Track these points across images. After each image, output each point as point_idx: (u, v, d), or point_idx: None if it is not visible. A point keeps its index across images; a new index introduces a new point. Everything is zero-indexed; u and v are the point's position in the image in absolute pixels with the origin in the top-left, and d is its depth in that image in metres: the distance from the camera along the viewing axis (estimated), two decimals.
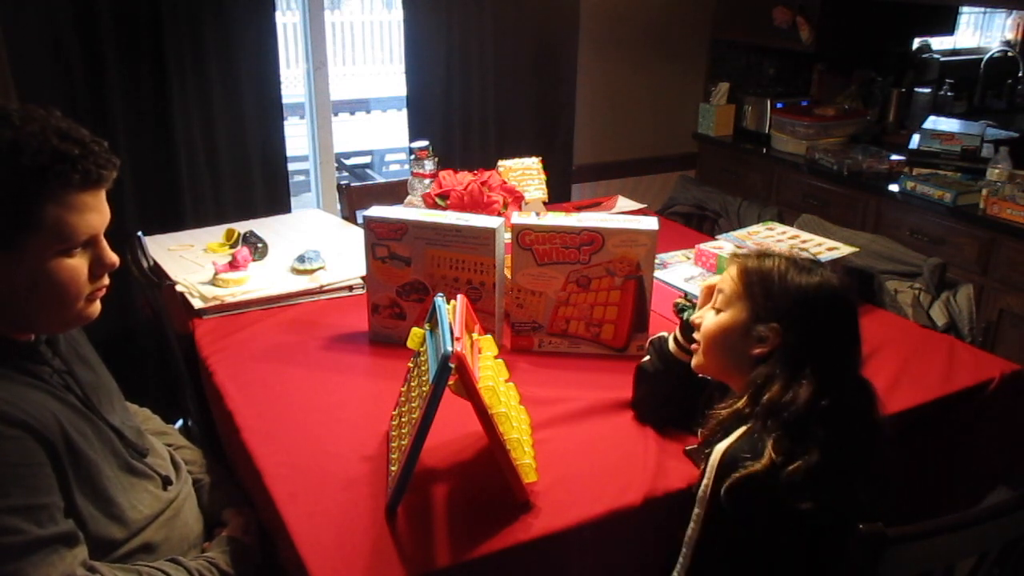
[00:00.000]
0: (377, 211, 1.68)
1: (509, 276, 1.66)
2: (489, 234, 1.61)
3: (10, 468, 0.99)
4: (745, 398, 1.20)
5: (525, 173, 2.23)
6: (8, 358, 1.08)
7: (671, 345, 1.42)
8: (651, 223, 1.63)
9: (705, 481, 1.15)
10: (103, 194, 1.10)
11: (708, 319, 1.30)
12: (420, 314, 1.69)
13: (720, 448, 1.15)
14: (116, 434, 1.20)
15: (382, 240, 1.66)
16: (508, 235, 1.65)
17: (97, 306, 1.15)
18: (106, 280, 1.14)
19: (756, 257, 1.28)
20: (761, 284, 1.24)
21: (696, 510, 1.17)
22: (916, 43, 3.94)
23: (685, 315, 1.41)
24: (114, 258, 1.13)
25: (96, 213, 1.08)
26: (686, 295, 1.46)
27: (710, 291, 1.33)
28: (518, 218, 1.63)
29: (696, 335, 1.34)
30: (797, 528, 1.12)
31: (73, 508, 1.07)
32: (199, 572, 1.19)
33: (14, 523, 0.98)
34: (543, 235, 1.59)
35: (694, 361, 1.34)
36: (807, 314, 1.21)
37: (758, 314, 1.23)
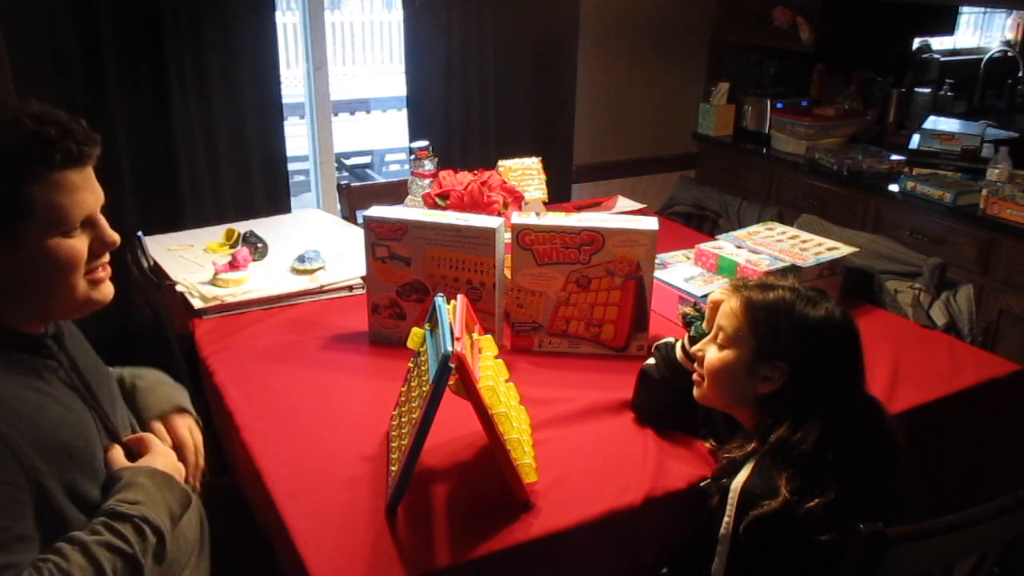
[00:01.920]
0: (377, 211, 1.68)
1: (509, 276, 1.66)
2: (489, 234, 1.61)
3: None
4: (755, 442, 1.19)
5: (525, 173, 2.24)
6: (12, 352, 1.07)
7: (678, 353, 1.41)
8: (651, 223, 1.63)
9: (726, 519, 1.14)
10: (90, 172, 1.08)
11: (711, 355, 1.27)
12: (420, 314, 1.69)
13: (736, 485, 1.15)
14: (115, 432, 1.19)
15: (382, 240, 1.66)
16: (508, 235, 1.65)
17: (108, 289, 1.14)
18: (106, 258, 1.13)
19: (760, 290, 1.25)
20: (767, 321, 1.21)
21: (719, 547, 1.16)
22: (916, 43, 3.94)
23: (693, 329, 1.39)
24: (114, 236, 1.11)
25: (87, 192, 1.07)
26: (695, 305, 1.45)
27: (716, 306, 1.31)
28: (518, 218, 1.63)
29: (697, 367, 1.32)
30: (821, 555, 1.11)
31: (88, 499, 1.06)
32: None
33: None
34: (543, 235, 1.59)
35: (696, 392, 1.32)
36: (814, 350, 1.20)
37: (763, 352, 1.21)
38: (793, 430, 1.16)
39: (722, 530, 1.15)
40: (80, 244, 1.07)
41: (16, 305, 1.08)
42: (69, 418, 1.09)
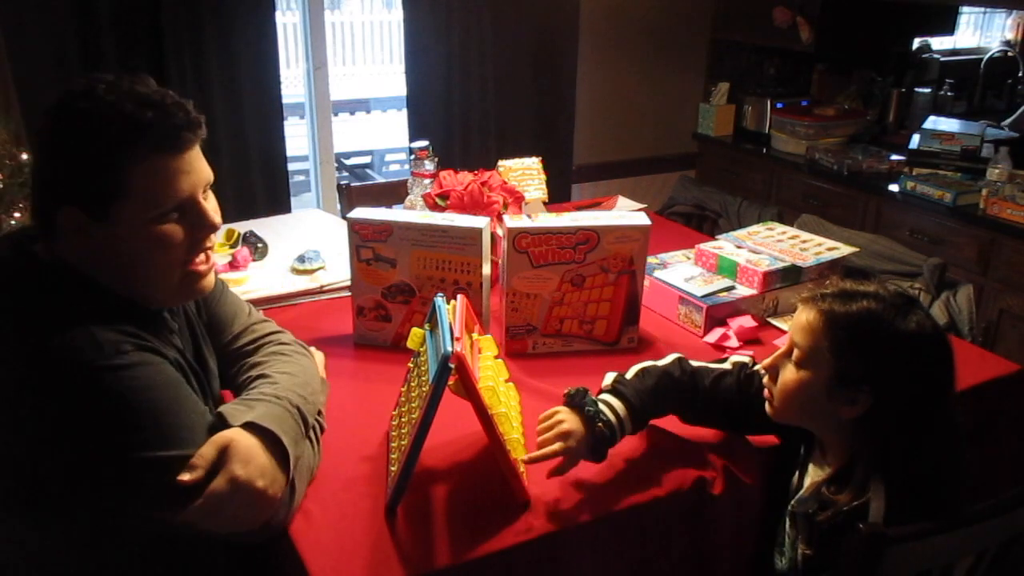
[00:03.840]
0: (361, 212, 1.67)
1: (503, 280, 1.66)
2: (476, 234, 1.61)
3: (163, 389, 1.04)
4: (866, 478, 1.13)
5: (525, 173, 2.24)
6: (131, 321, 1.07)
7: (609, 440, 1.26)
8: (642, 218, 1.65)
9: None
10: (191, 156, 1.07)
11: (786, 374, 1.17)
12: (406, 316, 1.69)
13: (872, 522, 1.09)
14: None
15: (367, 242, 1.65)
16: (501, 232, 1.64)
17: (207, 281, 1.16)
18: (208, 243, 1.13)
19: (841, 300, 1.13)
20: (849, 340, 1.10)
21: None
22: (916, 43, 3.94)
23: (588, 409, 1.24)
24: (213, 219, 1.11)
25: (184, 175, 1.06)
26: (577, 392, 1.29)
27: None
28: (512, 221, 1.62)
29: (768, 383, 1.22)
30: None
31: None
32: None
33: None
34: (539, 237, 1.59)
35: (768, 410, 1.23)
36: (903, 370, 1.10)
37: (845, 373, 1.11)
38: (881, 460, 1.11)
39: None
40: (174, 230, 1.07)
41: (122, 280, 1.09)
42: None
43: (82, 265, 1.08)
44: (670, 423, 1.42)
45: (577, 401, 1.26)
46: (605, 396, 1.30)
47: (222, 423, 1.09)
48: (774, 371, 1.21)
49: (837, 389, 1.13)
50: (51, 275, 1.07)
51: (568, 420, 1.23)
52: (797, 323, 1.17)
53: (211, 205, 1.13)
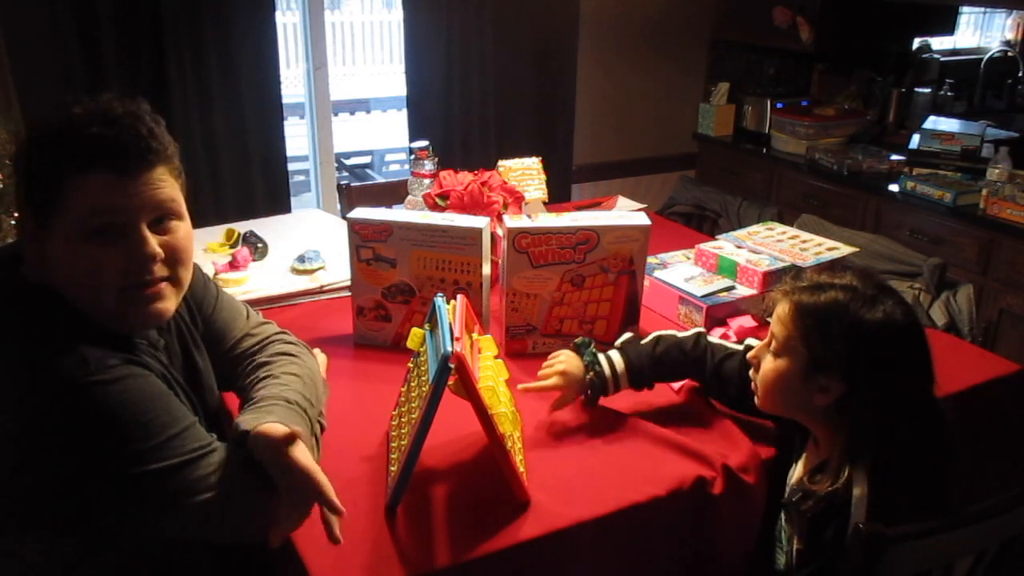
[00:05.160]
0: (361, 212, 1.67)
1: (503, 280, 1.66)
2: (476, 234, 1.61)
3: (153, 400, 1.03)
4: (833, 476, 1.14)
5: (525, 173, 2.24)
6: (108, 345, 1.05)
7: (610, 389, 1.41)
8: (642, 218, 1.65)
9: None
10: (140, 182, 1.02)
11: (765, 364, 1.22)
12: (406, 316, 1.69)
13: (856, 516, 1.11)
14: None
15: (367, 242, 1.65)
16: (501, 232, 1.64)
17: (155, 310, 1.08)
18: (147, 276, 1.06)
19: (811, 292, 1.17)
20: (817, 328, 1.14)
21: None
22: (916, 43, 3.94)
23: (586, 358, 1.41)
24: (145, 251, 1.04)
25: (125, 198, 1.01)
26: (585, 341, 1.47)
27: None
28: (512, 221, 1.62)
29: (752, 374, 1.27)
30: None
31: None
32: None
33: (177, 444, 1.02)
34: (539, 237, 1.59)
35: (756, 401, 1.27)
36: (872, 358, 1.12)
37: (817, 361, 1.14)
38: (855, 450, 1.12)
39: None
40: (101, 253, 1.02)
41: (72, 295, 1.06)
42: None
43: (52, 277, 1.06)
44: (669, 421, 1.43)
45: (580, 349, 1.43)
46: (611, 352, 1.44)
47: (239, 433, 1.08)
48: (757, 363, 1.25)
49: (811, 377, 1.16)
50: (36, 295, 1.05)
51: (568, 362, 1.41)
52: (775, 315, 1.22)
53: (171, 237, 1.07)
